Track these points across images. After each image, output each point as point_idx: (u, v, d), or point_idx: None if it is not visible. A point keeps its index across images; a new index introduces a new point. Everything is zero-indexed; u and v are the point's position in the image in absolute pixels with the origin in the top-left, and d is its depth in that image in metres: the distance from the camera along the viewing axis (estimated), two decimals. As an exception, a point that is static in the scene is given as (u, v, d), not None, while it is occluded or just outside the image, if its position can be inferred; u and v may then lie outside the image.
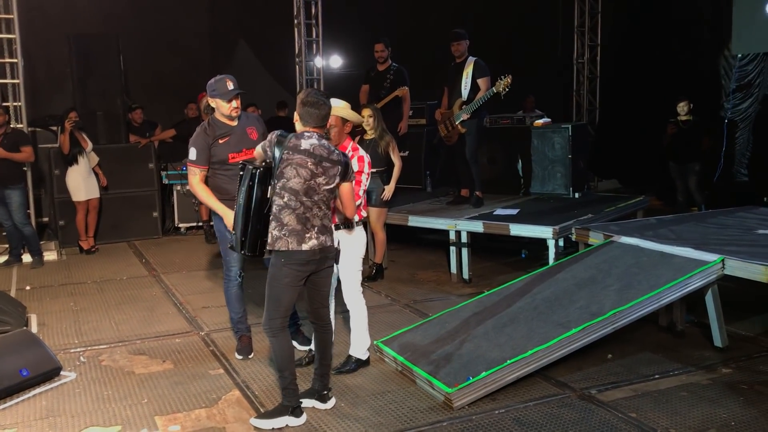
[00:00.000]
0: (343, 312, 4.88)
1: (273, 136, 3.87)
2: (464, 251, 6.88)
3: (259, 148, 4.03)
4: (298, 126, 3.95)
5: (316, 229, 3.84)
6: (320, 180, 3.84)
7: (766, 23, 9.35)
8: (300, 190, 3.79)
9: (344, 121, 4.55)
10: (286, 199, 3.79)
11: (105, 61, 9.21)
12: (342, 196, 4.02)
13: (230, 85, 4.65)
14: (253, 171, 3.90)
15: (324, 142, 3.90)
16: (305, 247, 3.81)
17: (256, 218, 3.93)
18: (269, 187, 3.89)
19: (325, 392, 4.13)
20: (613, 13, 12.09)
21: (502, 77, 6.91)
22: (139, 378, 4.70)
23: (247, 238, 3.96)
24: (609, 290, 4.83)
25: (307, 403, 4.08)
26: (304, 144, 3.82)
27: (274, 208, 3.83)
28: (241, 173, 3.95)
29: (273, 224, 3.82)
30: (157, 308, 6.30)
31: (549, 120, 8.40)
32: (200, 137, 4.70)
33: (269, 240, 3.84)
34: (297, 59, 9.99)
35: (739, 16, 9.67)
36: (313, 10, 9.89)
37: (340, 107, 4.48)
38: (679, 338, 5.13)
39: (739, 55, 9.82)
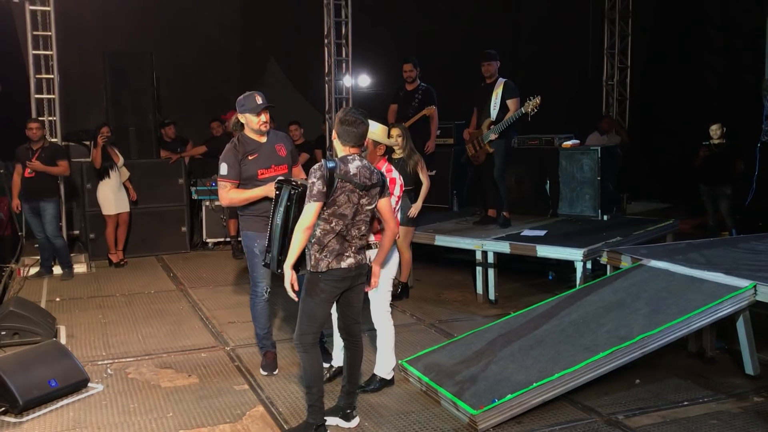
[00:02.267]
0: (370, 330, 4.87)
1: (324, 170, 3.73)
2: (490, 272, 6.84)
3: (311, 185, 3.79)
4: (337, 144, 3.93)
5: (353, 248, 3.88)
6: (364, 201, 3.87)
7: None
8: (348, 215, 3.82)
9: (376, 143, 4.57)
10: (333, 224, 3.79)
11: (138, 78, 9.37)
12: (382, 212, 4.03)
13: (259, 100, 4.72)
14: (292, 191, 3.90)
15: (365, 162, 3.92)
16: (344, 264, 3.84)
17: (289, 238, 3.91)
18: None
19: (350, 410, 4.13)
20: (644, 36, 12.03)
21: (531, 98, 6.90)
22: (164, 391, 4.73)
23: (284, 256, 3.93)
24: (637, 314, 4.77)
25: (331, 421, 4.07)
26: (352, 169, 3.82)
27: (318, 232, 3.81)
28: (278, 193, 3.94)
29: (315, 247, 3.82)
30: (184, 322, 6.34)
31: (578, 141, 8.36)
32: (230, 153, 4.75)
33: (311, 262, 3.83)
34: (327, 78, 10.06)
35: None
36: (343, 30, 9.98)
37: (373, 131, 4.49)
38: (709, 365, 5.04)
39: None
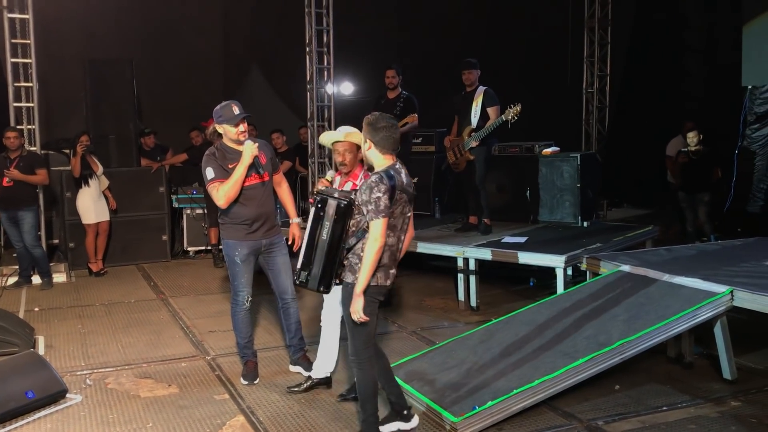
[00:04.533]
0: (344, 339, 4.85)
1: (388, 184, 3.58)
2: (472, 278, 6.86)
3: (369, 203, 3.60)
4: (375, 153, 3.73)
5: (396, 262, 3.81)
6: (406, 210, 3.79)
7: (776, 55, 9.38)
8: (398, 226, 3.74)
9: (358, 147, 4.58)
10: (387, 238, 3.66)
11: (118, 86, 9.33)
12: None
13: (236, 110, 4.70)
14: (340, 204, 3.69)
15: (404, 169, 3.79)
16: (389, 281, 3.79)
17: (338, 253, 3.77)
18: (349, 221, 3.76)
19: (406, 411, 4.07)
20: (623, 43, 12.16)
21: (512, 105, 6.94)
22: (144, 402, 4.69)
23: (327, 275, 3.78)
24: (617, 320, 4.81)
25: (391, 427, 4.03)
26: (405, 179, 3.72)
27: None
28: (319, 205, 3.74)
29: None
30: (164, 332, 6.30)
31: (557, 149, 8.42)
32: (211, 159, 4.74)
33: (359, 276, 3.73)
34: (308, 86, 10.07)
35: (748, 48, 9.70)
36: (325, 38, 10.00)
37: (353, 134, 4.49)
38: (688, 370, 5.08)
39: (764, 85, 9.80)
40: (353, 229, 3.76)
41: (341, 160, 4.49)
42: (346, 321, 3.84)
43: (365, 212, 3.64)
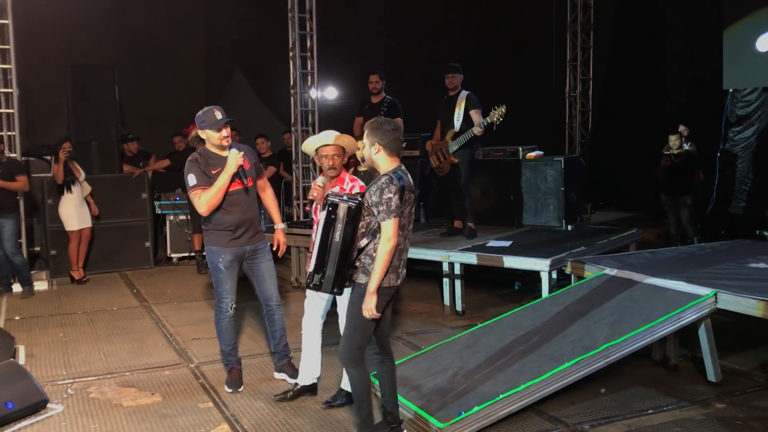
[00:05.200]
0: (331, 345, 4.83)
1: (398, 184, 3.67)
2: (457, 283, 6.86)
3: (380, 203, 3.68)
4: (383, 156, 3.80)
5: (403, 262, 3.84)
6: (412, 210, 3.87)
7: (756, 59, 9.46)
8: (406, 225, 3.80)
9: (344, 150, 4.57)
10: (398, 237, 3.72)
11: (100, 92, 9.27)
12: None
13: (218, 115, 4.66)
14: (351, 206, 3.72)
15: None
16: (399, 281, 3.82)
17: (349, 255, 3.78)
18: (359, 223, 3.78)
19: (396, 425, 4.04)
20: (605, 47, 12.24)
21: (496, 107, 6.94)
22: (126, 411, 4.64)
23: (340, 277, 3.78)
24: (602, 324, 4.81)
25: None
26: (411, 180, 3.83)
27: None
28: (330, 208, 3.75)
29: None
30: (147, 340, 6.24)
31: (541, 153, 8.44)
32: (193, 165, 4.69)
33: (369, 277, 3.74)
34: (292, 90, 10.03)
35: (729, 52, 9.79)
36: (308, 43, 9.97)
37: (342, 137, 4.52)
38: (673, 372, 5.10)
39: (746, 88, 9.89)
40: (363, 230, 3.79)
41: (331, 164, 4.48)
42: (347, 321, 3.86)
43: (376, 213, 3.70)
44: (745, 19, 9.57)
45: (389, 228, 3.65)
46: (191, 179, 4.66)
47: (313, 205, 4.65)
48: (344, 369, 3.94)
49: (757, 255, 6.06)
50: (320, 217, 3.86)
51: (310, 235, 4.81)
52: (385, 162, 3.82)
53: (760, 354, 5.36)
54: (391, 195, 3.65)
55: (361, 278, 3.79)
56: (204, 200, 4.62)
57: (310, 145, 4.62)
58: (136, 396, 4.90)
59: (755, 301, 4.57)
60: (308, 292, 4.67)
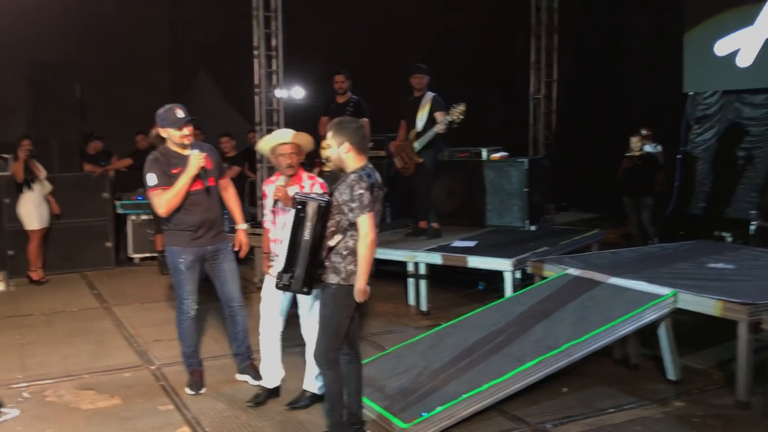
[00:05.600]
0: (294, 347, 4.80)
1: (364, 184, 3.67)
2: (422, 283, 6.86)
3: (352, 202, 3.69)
4: (352, 156, 3.79)
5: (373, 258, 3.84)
6: (380, 207, 3.88)
7: (715, 63, 9.63)
8: (377, 222, 3.80)
9: (300, 149, 4.55)
10: None
11: (61, 89, 9.14)
12: None
13: (180, 113, 4.60)
14: (320, 204, 3.71)
15: None
16: (368, 279, 3.81)
17: (319, 253, 3.77)
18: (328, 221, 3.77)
19: (359, 425, 4.01)
20: (569, 49, 12.37)
21: (455, 105, 6.96)
22: (85, 414, 4.55)
23: (310, 276, 3.77)
24: (564, 323, 4.85)
25: None
26: (377, 177, 3.84)
27: (352, 243, 3.74)
28: (299, 207, 3.73)
29: (349, 259, 3.74)
30: (108, 341, 6.13)
31: (506, 154, 8.49)
32: (154, 164, 4.62)
33: (342, 275, 3.74)
34: (257, 89, 9.96)
35: (689, 55, 9.95)
36: (273, 42, 9.90)
37: (299, 135, 4.50)
38: (634, 371, 5.15)
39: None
40: (333, 229, 3.77)
41: (289, 162, 4.45)
42: (320, 323, 3.84)
43: (347, 211, 3.71)
44: (704, 24, 9.73)
45: (365, 223, 3.67)
46: (151, 179, 4.59)
47: (270, 206, 4.58)
48: (319, 370, 3.92)
49: (716, 255, 6.18)
50: (288, 215, 3.83)
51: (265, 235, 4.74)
52: (353, 161, 3.82)
53: (718, 352, 5.45)
54: (362, 191, 3.67)
55: (331, 278, 3.77)
56: (163, 201, 4.56)
57: (266, 144, 4.58)
58: (94, 399, 4.81)
59: (713, 301, 4.64)
60: (263, 295, 4.64)
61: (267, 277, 4.64)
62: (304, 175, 4.61)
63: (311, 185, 4.51)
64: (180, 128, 4.60)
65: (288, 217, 3.87)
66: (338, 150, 3.81)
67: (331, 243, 3.76)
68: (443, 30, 12.17)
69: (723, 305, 4.57)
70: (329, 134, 3.85)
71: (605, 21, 12.11)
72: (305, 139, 4.56)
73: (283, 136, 4.51)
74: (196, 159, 4.58)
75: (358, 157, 3.82)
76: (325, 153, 6.38)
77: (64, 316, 6.99)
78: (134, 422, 4.40)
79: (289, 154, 4.45)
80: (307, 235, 3.72)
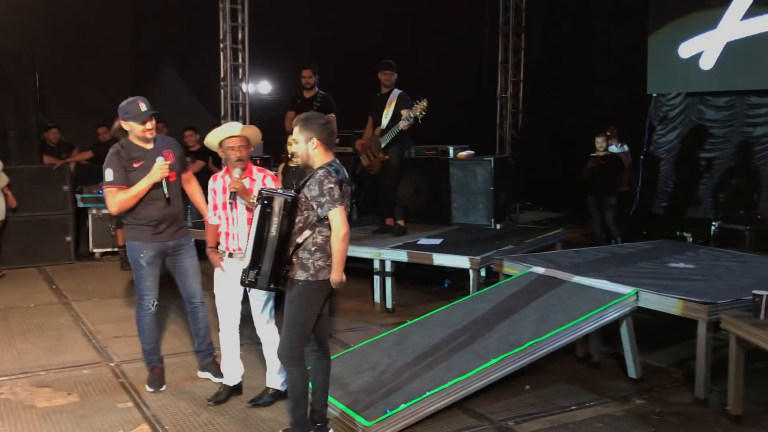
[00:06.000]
0: (257, 344, 4.74)
1: (333, 178, 3.65)
2: (388, 280, 6.85)
3: (321, 197, 3.66)
4: (320, 152, 3.77)
5: None
6: (348, 203, 3.85)
7: (678, 65, 9.78)
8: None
9: (248, 142, 4.50)
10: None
11: (19, 79, 8.89)
12: None
13: (143, 107, 4.51)
14: (287, 199, 3.67)
15: None
16: None
17: (285, 249, 3.72)
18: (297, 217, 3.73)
19: (323, 423, 3.96)
20: (536, 49, 12.47)
21: (418, 101, 6.95)
22: (40, 412, 4.44)
23: (276, 273, 3.72)
24: (527, 321, 4.87)
25: None
26: (345, 173, 3.82)
27: (320, 239, 3.71)
28: (265, 202, 3.68)
29: (317, 255, 3.71)
30: (65, 337, 6.00)
31: (472, 152, 8.52)
32: (114, 159, 4.53)
33: (311, 271, 3.70)
34: (222, 83, 9.85)
35: (653, 57, 10.08)
36: (240, 35, 9.81)
37: (248, 127, 4.48)
38: (595, 369, 5.20)
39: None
40: (300, 225, 3.73)
41: (239, 155, 4.39)
42: (286, 320, 3.79)
43: (316, 207, 3.68)
44: (669, 26, 9.88)
45: (338, 216, 3.66)
46: (108, 174, 4.50)
47: (226, 197, 4.50)
48: (283, 368, 3.89)
49: (677, 255, 6.27)
50: (255, 211, 3.78)
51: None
52: (321, 156, 3.79)
53: (678, 351, 5.53)
54: (332, 185, 3.65)
55: (299, 274, 3.73)
56: (116, 201, 4.50)
57: (215, 137, 4.50)
58: (51, 396, 4.70)
59: (674, 300, 4.70)
60: (216, 291, 4.57)
61: (217, 272, 4.57)
62: (254, 168, 4.55)
63: (262, 178, 4.47)
64: (143, 122, 4.51)
65: (255, 211, 3.80)
66: (306, 146, 3.77)
67: (299, 239, 3.73)
68: (410, 28, 12.17)
69: (683, 304, 4.63)
70: (297, 129, 3.81)
71: (570, 21, 12.23)
72: (254, 132, 4.52)
73: (232, 129, 4.46)
74: (160, 169, 4.49)
75: (325, 153, 3.79)
76: (291, 148, 6.34)
77: (20, 311, 6.82)
78: (91, 420, 4.31)
79: (239, 147, 4.40)
80: (273, 231, 3.68)
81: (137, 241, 4.63)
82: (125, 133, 4.61)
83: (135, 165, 4.52)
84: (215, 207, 4.55)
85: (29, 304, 7.09)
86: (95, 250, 9.39)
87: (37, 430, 4.19)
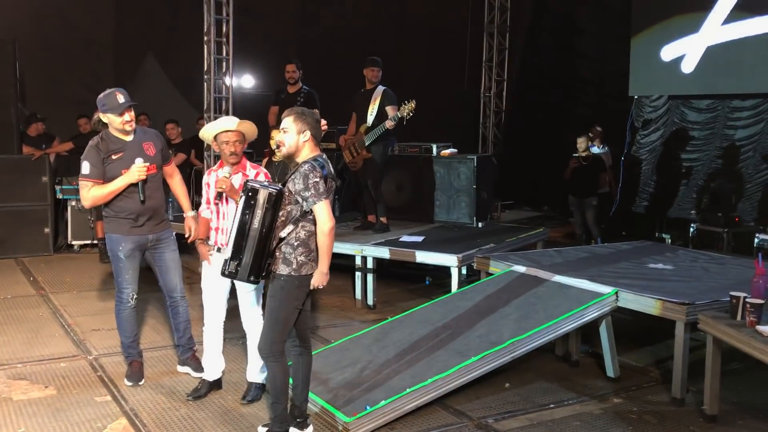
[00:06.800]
0: (237, 338, 4.73)
1: (318, 172, 3.66)
2: (370, 277, 6.85)
3: (307, 192, 3.67)
4: (310, 145, 3.78)
5: None
6: (332, 199, 3.84)
7: (660, 67, 9.86)
8: None
9: (244, 137, 4.47)
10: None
11: (-1, 68, 8.76)
12: None
13: (121, 98, 4.46)
14: (272, 192, 3.65)
15: None
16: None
17: (268, 243, 3.70)
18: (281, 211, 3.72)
19: (303, 419, 3.95)
20: (520, 48, 12.51)
21: (406, 102, 6.99)
22: (17, 405, 4.39)
23: (257, 265, 3.70)
24: (508, 319, 4.90)
25: None
26: (331, 168, 3.83)
27: (303, 234, 3.71)
28: (249, 194, 3.67)
29: (300, 250, 3.71)
30: (43, 330, 5.94)
31: (455, 150, 8.54)
32: (93, 151, 4.48)
33: (293, 266, 3.70)
34: (206, 76, 9.78)
35: (636, 60, 10.16)
36: (224, 28, 9.74)
37: (244, 123, 4.43)
38: (574, 368, 5.24)
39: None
40: (284, 219, 3.73)
41: (233, 150, 4.37)
42: (267, 314, 3.79)
43: (301, 201, 3.68)
44: (651, 29, 9.96)
45: (323, 210, 3.67)
46: (85, 167, 4.46)
47: (213, 196, 4.48)
48: (265, 363, 3.87)
49: (656, 256, 6.33)
50: (239, 203, 3.76)
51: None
52: (308, 150, 3.80)
53: (656, 350, 5.59)
54: (317, 179, 3.66)
55: (281, 269, 3.73)
56: (91, 195, 4.47)
57: (210, 131, 4.47)
58: (27, 389, 4.65)
59: (653, 300, 4.74)
60: (203, 286, 4.55)
61: (205, 265, 4.55)
62: (248, 163, 4.53)
63: (255, 174, 4.45)
64: (121, 114, 4.47)
65: (239, 203, 3.78)
66: (297, 137, 3.77)
67: (282, 234, 3.72)
68: (394, 26, 12.16)
69: (662, 305, 4.68)
70: (290, 119, 3.78)
71: (556, 21, 12.28)
72: (250, 128, 4.48)
73: (228, 123, 4.42)
74: (138, 171, 4.46)
75: (314, 148, 3.81)
76: (274, 142, 6.31)
77: (-3, 303, 6.76)
78: (69, 413, 4.27)
79: (234, 142, 4.37)
80: (256, 223, 3.67)
81: (116, 234, 4.59)
82: (105, 125, 4.56)
83: (114, 157, 4.47)
84: (208, 201, 4.53)
85: (6, 295, 7.01)
86: (74, 242, 9.30)
87: (13, 423, 4.14)
